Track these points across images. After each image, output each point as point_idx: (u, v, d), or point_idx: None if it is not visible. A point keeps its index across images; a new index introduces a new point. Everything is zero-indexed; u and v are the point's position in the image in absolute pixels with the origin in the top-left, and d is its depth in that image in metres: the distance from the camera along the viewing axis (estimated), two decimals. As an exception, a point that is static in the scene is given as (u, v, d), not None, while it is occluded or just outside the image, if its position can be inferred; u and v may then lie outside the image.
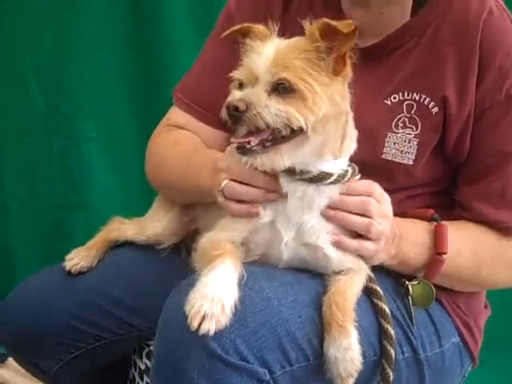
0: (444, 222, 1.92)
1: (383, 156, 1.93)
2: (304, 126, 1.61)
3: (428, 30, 1.91)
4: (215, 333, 1.54)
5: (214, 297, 1.55)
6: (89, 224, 3.25)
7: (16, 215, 3.45)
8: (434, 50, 1.90)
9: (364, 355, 1.70)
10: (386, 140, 1.92)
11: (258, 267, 1.73)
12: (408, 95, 1.92)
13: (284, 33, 1.74)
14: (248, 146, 1.62)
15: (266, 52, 1.65)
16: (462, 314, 2.04)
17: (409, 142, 1.92)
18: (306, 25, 1.66)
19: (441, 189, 2.01)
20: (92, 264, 2.13)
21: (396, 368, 1.81)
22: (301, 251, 1.75)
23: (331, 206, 1.73)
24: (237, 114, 1.60)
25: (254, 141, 1.61)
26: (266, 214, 1.74)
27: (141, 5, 3.24)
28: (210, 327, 1.53)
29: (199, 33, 2.97)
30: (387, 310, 1.81)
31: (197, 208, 2.13)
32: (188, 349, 1.58)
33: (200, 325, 1.53)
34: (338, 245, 1.74)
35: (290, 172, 1.69)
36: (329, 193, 1.73)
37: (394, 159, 1.93)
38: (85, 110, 3.33)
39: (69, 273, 2.11)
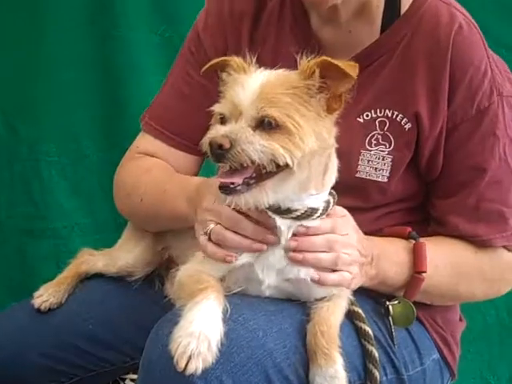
0: (422, 240, 1.92)
1: (357, 175, 1.92)
2: (290, 162, 1.57)
3: (399, 46, 1.92)
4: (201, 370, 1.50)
5: (200, 334, 1.51)
6: (55, 249, 3.21)
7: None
8: (405, 66, 1.91)
9: (349, 381, 1.68)
10: (360, 158, 1.92)
11: (240, 298, 1.70)
12: (380, 112, 1.92)
13: (253, 50, 1.71)
14: (232, 186, 1.58)
15: (251, 85, 1.60)
16: (440, 328, 2.05)
17: (383, 159, 1.92)
18: (302, 60, 1.62)
19: (416, 204, 2.01)
20: (62, 300, 2.07)
21: (380, 390, 1.80)
22: (283, 286, 1.73)
23: (297, 250, 1.69)
24: (221, 152, 1.55)
25: (237, 181, 1.57)
26: (244, 255, 1.70)
27: (105, 26, 3.18)
28: (197, 366, 1.49)
29: (165, 54, 2.95)
30: (370, 331, 1.80)
31: (167, 236, 2.09)
32: None
33: (187, 364, 1.49)
34: (318, 282, 1.71)
35: (275, 211, 1.66)
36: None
37: (368, 177, 1.92)
38: (46, 133, 3.24)
39: (38, 310, 2.04)
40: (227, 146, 1.54)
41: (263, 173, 1.59)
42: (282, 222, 1.67)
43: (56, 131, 3.24)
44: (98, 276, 2.14)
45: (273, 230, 1.68)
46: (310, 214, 1.67)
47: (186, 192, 1.84)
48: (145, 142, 2.14)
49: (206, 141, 1.59)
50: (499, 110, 1.90)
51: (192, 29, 2.14)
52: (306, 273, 1.71)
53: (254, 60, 1.68)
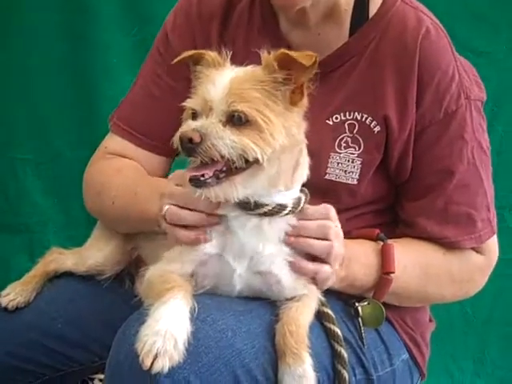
0: (390, 241, 1.92)
1: (327, 177, 1.92)
2: (260, 158, 1.58)
3: (367, 49, 1.92)
4: (168, 370, 1.49)
5: (167, 333, 1.49)
6: (29, 246, 3.25)
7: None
8: (373, 69, 1.91)
9: (318, 381, 1.67)
10: (330, 160, 1.92)
11: (209, 298, 1.69)
12: (350, 115, 1.92)
13: (221, 51, 1.71)
14: (202, 179, 1.58)
15: (221, 81, 1.61)
16: (409, 329, 2.06)
17: (352, 162, 1.92)
18: (264, 54, 1.63)
19: (385, 206, 2.02)
20: (29, 299, 2.04)
21: (349, 390, 1.80)
22: (253, 280, 1.72)
23: (291, 233, 1.70)
24: (191, 146, 1.55)
25: (208, 174, 1.58)
26: (213, 245, 1.70)
27: (78, 27, 3.19)
28: (163, 365, 1.48)
29: (138, 55, 2.91)
30: (339, 332, 1.80)
31: (138, 236, 2.07)
32: None
33: (153, 363, 1.47)
34: (295, 268, 1.71)
35: (244, 206, 1.66)
36: (283, 224, 1.71)
37: (337, 179, 1.92)
38: (20, 132, 3.27)
39: (5, 309, 2.01)
40: (197, 140, 1.55)
41: (233, 167, 1.59)
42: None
43: (30, 130, 3.27)
44: (68, 275, 2.11)
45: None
46: (278, 210, 1.67)
47: (156, 194, 1.82)
48: (113, 142, 2.13)
49: (177, 135, 1.59)
50: (467, 114, 1.92)
51: (161, 29, 2.13)
52: (277, 267, 1.70)
53: (229, 56, 1.69)
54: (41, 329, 2.00)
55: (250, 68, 1.66)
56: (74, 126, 3.26)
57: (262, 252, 1.70)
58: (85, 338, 2.02)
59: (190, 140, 1.55)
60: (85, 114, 3.23)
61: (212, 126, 1.57)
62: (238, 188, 1.61)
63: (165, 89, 2.05)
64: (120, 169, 2.05)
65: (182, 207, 1.71)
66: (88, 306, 2.06)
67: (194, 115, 1.63)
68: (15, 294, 2.03)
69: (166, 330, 1.50)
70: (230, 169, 1.60)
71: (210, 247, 1.70)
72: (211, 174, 1.58)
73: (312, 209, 1.74)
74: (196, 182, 1.59)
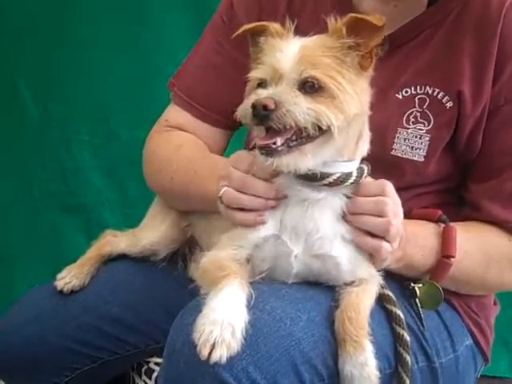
0: (452, 224, 1.84)
1: (393, 152, 1.85)
2: (334, 125, 1.53)
3: (445, 20, 1.83)
4: (226, 361, 1.45)
5: (224, 322, 1.45)
6: (86, 226, 3.29)
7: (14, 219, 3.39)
8: (451, 42, 1.82)
9: (380, 370, 1.62)
10: (397, 136, 1.84)
11: (267, 285, 1.64)
12: (421, 89, 1.83)
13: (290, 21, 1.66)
14: (274, 147, 1.53)
15: (290, 50, 1.57)
16: (474, 314, 1.98)
17: (420, 138, 1.84)
18: (330, 21, 1.59)
19: (450, 187, 1.93)
20: (85, 282, 2.03)
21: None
22: (311, 263, 1.66)
23: (348, 210, 1.65)
24: (265, 113, 1.50)
25: (279, 141, 1.52)
26: (269, 226, 1.65)
27: (131, 6, 3.16)
28: (221, 355, 1.43)
29: (195, 31, 2.85)
30: (401, 315, 1.73)
31: (192, 214, 2.04)
32: (198, 380, 1.48)
33: (210, 353, 1.43)
34: (359, 243, 1.65)
35: (310, 177, 1.60)
36: (343, 196, 1.65)
37: (403, 156, 1.84)
38: (76, 113, 3.27)
39: (60, 292, 2.00)
40: (272, 106, 1.50)
41: (304, 136, 1.54)
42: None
43: (86, 111, 3.27)
44: (122, 257, 2.09)
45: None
46: (343, 179, 1.62)
47: (217, 173, 1.78)
48: (174, 114, 2.09)
49: (247, 103, 1.54)
50: None
51: None
52: (336, 250, 1.65)
53: (293, 27, 1.63)
54: (96, 312, 1.99)
55: (316, 37, 1.61)
56: (130, 106, 3.23)
57: (319, 232, 1.64)
58: (140, 321, 2.00)
59: (265, 107, 1.50)
60: (139, 93, 3.20)
61: (286, 93, 1.52)
62: (309, 157, 1.55)
63: (227, 59, 2.01)
64: (180, 144, 2.01)
65: (239, 191, 1.67)
66: (143, 289, 2.04)
67: (261, 85, 1.58)
68: (70, 277, 2.02)
69: (223, 319, 1.45)
70: (300, 137, 1.54)
71: (266, 228, 1.65)
72: (283, 142, 1.53)
73: (368, 184, 1.67)
74: (267, 150, 1.54)
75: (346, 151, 1.62)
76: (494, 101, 1.81)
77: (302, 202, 1.64)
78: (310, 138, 1.55)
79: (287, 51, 1.57)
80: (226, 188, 1.69)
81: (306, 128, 1.52)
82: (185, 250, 2.10)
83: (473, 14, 1.81)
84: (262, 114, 1.51)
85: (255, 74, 1.60)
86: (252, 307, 1.53)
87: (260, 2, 1.98)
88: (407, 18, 1.86)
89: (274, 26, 1.64)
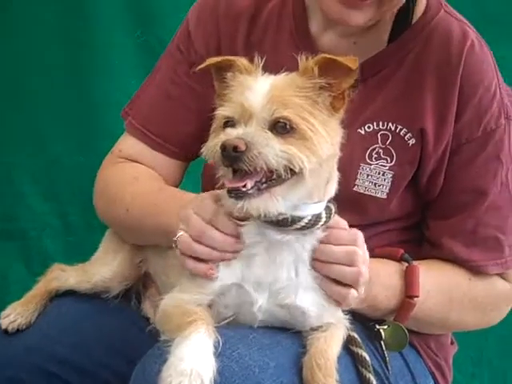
0: (415, 263, 1.82)
1: (355, 188, 1.82)
2: (306, 168, 1.48)
3: (406, 58, 1.82)
4: None
5: (192, 372, 1.39)
6: (25, 253, 3.18)
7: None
8: (412, 79, 1.81)
9: None
10: (359, 171, 1.82)
11: (233, 330, 1.58)
12: (383, 125, 1.82)
13: (248, 53, 1.63)
14: (244, 190, 1.46)
15: (260, 88, 1.51)
16: (434, 355, 1.98)
17: (383, 175, 1.82)
18: (301, 60, 1.54)
19: (413, 224, 1.92)
20: (31, 320, 1.92)
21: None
22: (276, 311, 1.62)
23: (317, 258, 1.60)
24: (235, 155, 1.44)
25: (249, 184, 1.47)
26: (232, 274, 1.59)
27: (80, 29, 3.08)
28: None
29: (141, 57, 2.86)
30: (367, 358, 1.70)
31: (147, 249, 1.96)
32: None
33: None
34: (326, 290, 1.61)
35: (281, 222, 1.54)
36: (311, 240, 1.60)
37: (366, 192, 1.82)
38: (17, 137, 3.18)
39: (5, 332, 1.88)
40: (243, 148, 1.44)
41: (274, 178, 1.49)
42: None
43: (26, 135, 3.18)
44: (71, 293, 1.98)
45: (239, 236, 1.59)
46: (314, 222, 1.56)
47: (175, 209, 1.71)
48: (128, 144, 2.02)
49: (215, 143, 1.48)
50: (505, 135, 1.83)
51: (182, 26, 2.01)
52: (301, 299, 1.59)
53: (261, 64, 1.58)
54: (43, 352, 1.86)
55: (286, 75, 1.56)
56: (71, 131, 3.14)
57: (284, 282, 1.58)
58: (92, 363, 1.89)
59: (235, 148, 1.44)
60: (83, 118, 3.11)
61: (258, 134, 1.46)
62: (279, 200, 1.50)
63: (184, 89, 1.95)
64: (137, 177, 1.94)
65: (195, 240, 1.59)
66: (94, 329, 1.93)
67: (228, 123, 1.52)
68: (16, 314, 1.90)
69: (192, 369, 1.39)
70: (271, 179, 1.49)
71: (228, 276, 1.58)
72: (253, 185, 1.47)
73: (339, 232, 1.63)
74: (236, 193, 1.47)
75: (316, 193, 1.57)
76: (456, 139, 1.81)
77: (268, 249, 1.58)
78: (280, 180, 1.50)
79: (257, 89, 1.51)
80: (182, 233, 1.62)
81: (277, 170, 1.47)
82: (138, 287, 2.01)
83: (433, 56, 1.82)
84: (233, 155, 1.45)
85: (222, 112, 1.54)
86: (219, 354, 1.47)
87: (218, 31, 1.94)
88: (367, 55, 1.85)
89: (242, 62, 1.58)
